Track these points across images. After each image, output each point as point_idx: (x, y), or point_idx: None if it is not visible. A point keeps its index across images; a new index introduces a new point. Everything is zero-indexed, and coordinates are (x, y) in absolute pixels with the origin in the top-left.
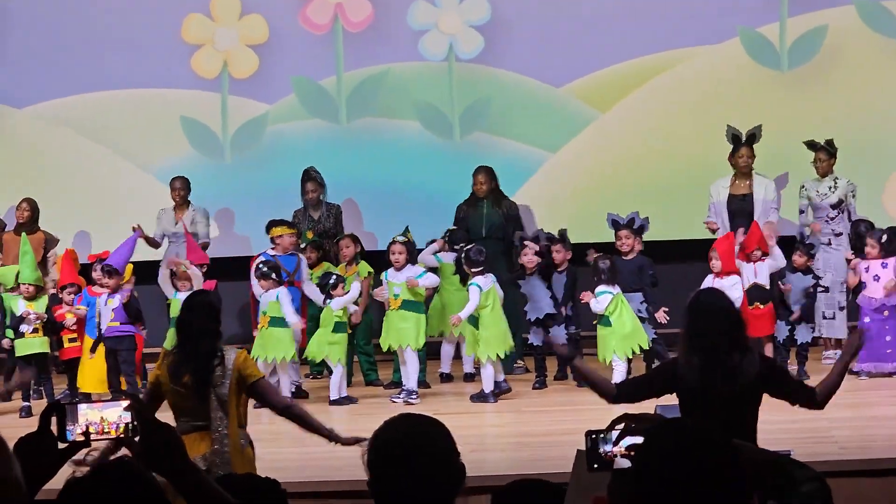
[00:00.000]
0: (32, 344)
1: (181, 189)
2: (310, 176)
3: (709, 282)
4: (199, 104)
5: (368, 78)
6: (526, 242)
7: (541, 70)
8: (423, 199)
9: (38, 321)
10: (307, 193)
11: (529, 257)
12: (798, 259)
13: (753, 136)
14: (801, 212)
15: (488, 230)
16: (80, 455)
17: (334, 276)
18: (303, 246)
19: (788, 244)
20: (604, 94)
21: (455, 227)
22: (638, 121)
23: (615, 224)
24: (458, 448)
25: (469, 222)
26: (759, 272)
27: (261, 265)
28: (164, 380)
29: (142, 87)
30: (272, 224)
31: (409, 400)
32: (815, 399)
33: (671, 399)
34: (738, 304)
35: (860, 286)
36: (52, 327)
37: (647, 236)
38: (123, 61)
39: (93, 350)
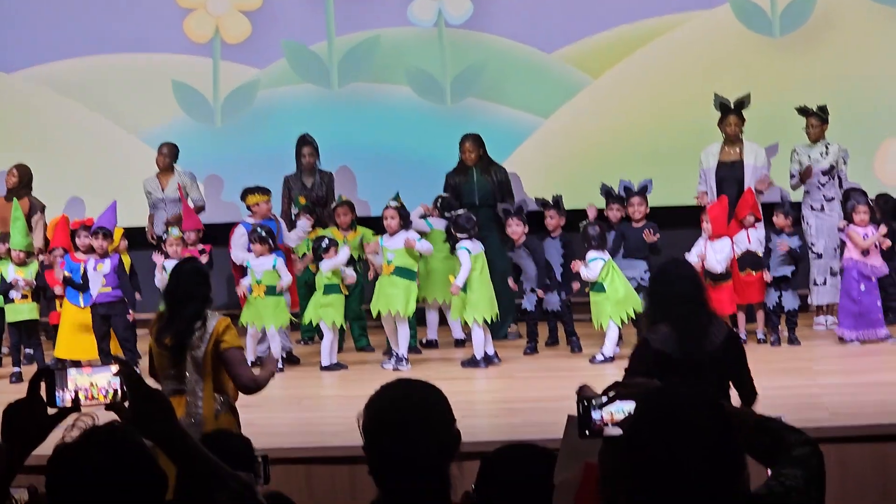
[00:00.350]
0: (21, 310)
1: (167, 155)
2: (306, 140)
3: (700, 245)
4: (191, 69)
5: (359, 43)
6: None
7: (531, 35)
8: (415, 164)
9: (27, 287)
10: (304, 157)
11: (513, 229)
12: (779, 220)
13: (742, 104)
14: (792, 176)
15: (481, 198)
16: (69, 420)
17: (327, 240)
18: (295, 212)
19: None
20: (595, 59)
21: (446, 195)
22: (629, 86)
23: (627, 191)
24: (464, 416)
25: (461, 191)
26: (751, 238)
27: (259, 229)
28: (151, 344)
29: (133, 51)
30: (247, 192)
31: (399, 367)
32: (749, 401)
33: None
34: (725, 264)
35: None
36: (43, 293)
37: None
38: (114, 25)
39: (61, 300)
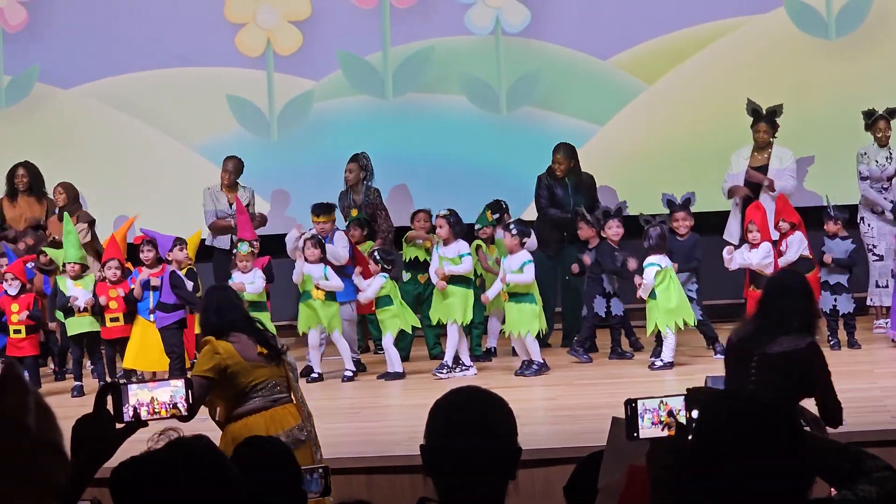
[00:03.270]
0: (82, 323)
1: (233, 171)
2: (352, 158)
3: (744, 252)
4: (245, 82)
5: (415, 53)
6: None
7: (587, 42)
8: (471, 173)
9: (87, 305)
10: (345, 172)
11: (585, 231)
12: (830, 227)
13: (774, 113)
14: (865, 178)
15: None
16: (152, 430)
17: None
18: (346, 224)
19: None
20: (650, 65)
21: (499, 200)
22: (685, 92)
23: (670, 204)
24: (526, 423)
25: (554, 195)
26: (789, 246)
27: (318, 235)
28: (229, 363)
29: (187, 65)
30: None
31: (447, 373)
32: (828, 418)
33: (721, 370)
34: (769, 270)
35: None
36: (99, 308)
37: (693, 208)
38: (168, 41)
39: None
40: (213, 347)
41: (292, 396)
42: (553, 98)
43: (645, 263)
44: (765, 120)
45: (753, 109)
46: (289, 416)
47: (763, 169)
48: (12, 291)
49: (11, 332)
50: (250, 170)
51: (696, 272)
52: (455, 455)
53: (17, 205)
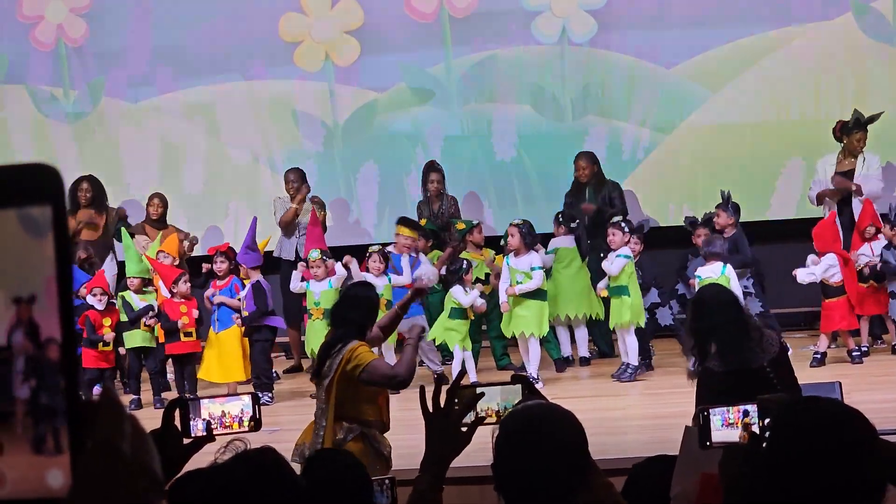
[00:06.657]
0: (136, 337)
1: (295, 181)
2: (434, 167)
3: (811, 262)
4: (308, 94)
5: (478, 63)
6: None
7: (651, 51)
8: (537, 182)
9: (153, 319)
10: (432, 183)
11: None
12: (886, 231)
13: (872, 120)
14: None
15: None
16: (220, 444)
17: (465, 263)
18: None
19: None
20: (715, 74)
21: (566, 210)
22: (750, 100)
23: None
24: (595, 434)
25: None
26: (874, 250)
27: (384, 248)
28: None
29: (251, 79)
30: (398, 222)
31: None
32: None
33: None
34: (835, 279)
35: None
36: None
37: (756, 215)
38: (231, 55)
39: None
40: (365, 347)
41: None
42: (618, 107)
43: (696, 275)
44: (863, 128)
45: (856, 119)
46: (308, 431)
47: (850, 174)
48: (100, 306)
49: (100, 346)
50: (316, 181)
51: (750, 269)
52: (523, 473)
53: (77, 218)
